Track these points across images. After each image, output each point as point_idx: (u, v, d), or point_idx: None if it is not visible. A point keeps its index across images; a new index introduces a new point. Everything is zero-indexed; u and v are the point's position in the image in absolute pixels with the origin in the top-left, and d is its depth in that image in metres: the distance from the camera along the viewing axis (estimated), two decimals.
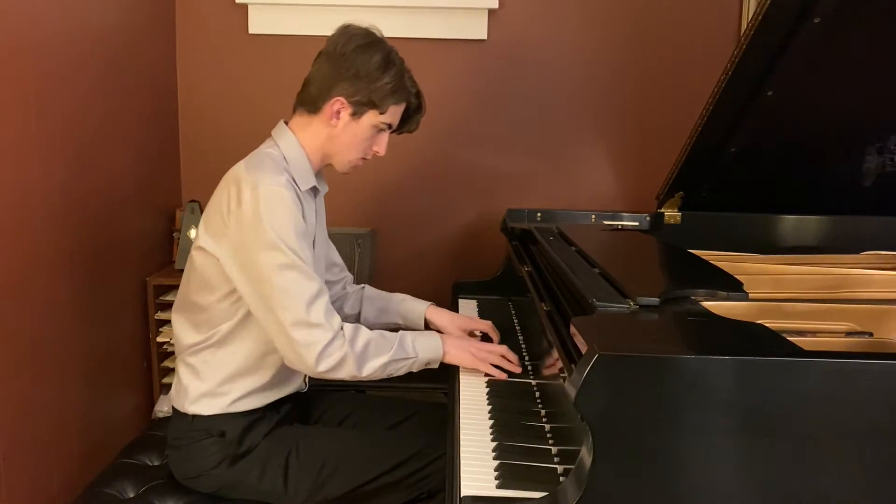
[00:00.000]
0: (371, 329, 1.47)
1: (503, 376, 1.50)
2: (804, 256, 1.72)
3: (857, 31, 1.48)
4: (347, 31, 1.48)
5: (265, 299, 1.38)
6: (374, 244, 2.49)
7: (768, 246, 1.87)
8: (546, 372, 1.39)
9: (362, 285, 1.81)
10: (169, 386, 2.18)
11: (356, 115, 1.48)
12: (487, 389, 1.46)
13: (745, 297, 1.20)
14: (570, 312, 1.22)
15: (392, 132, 1.56)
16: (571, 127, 2.50)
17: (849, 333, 1.22)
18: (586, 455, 0.89)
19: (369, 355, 1.41)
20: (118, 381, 2.15)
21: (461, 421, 1.31)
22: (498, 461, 1.14)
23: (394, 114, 1.51)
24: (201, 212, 2.30)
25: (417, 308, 1.73)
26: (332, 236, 1.76)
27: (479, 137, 2.51)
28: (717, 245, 1.75)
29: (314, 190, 1.55)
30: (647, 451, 0.88)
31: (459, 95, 2.45)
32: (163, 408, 2.24)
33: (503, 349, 1.54)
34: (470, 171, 2.52)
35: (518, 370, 1.52)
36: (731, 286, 1.23)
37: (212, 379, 1.49)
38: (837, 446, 0.88)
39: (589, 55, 2.45)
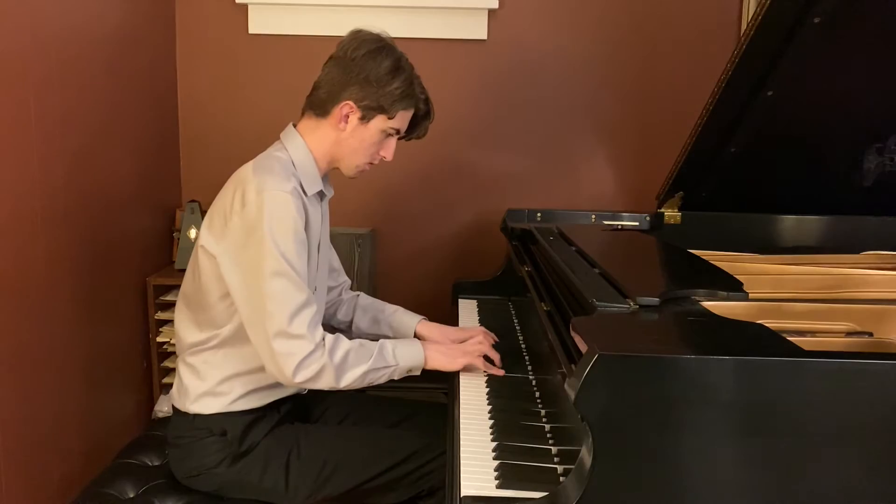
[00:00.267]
0: (362, 338, 1.48)
1: (489, 368, 1.52)
2: (804, 256, 1.72)
3: (857, 31, 1.48)
4: (358, 36, 1.49)
5: (252, 303, 1.38)
6: (374, 244, 2.49)
7: (768, 246, 1.87)
8: (546, 372, 1.39)
9: (357, 293, 1.81)
10: (169, 386, 2.19)
11: (365, 119, 1.48)
12: (487, 389, 1.46)
13: (745, 297, 1.20)
14: (570, 312, 1.22)
15: (400, 138, 1.56)
16: (571, 127, 2.50)
17: (849, 333, 1.22)
18: (586, 455, 0.89)
19: (348, 366, 1.41)
20: (118, 381, 2.15)
21: (461, 421, 1.31)
22: (498, 461, 1.14)
23: (402, 119, 1.51)
24: (201, 212, 2.30)
25: (408, 322, 1.72)
26: (332, 236, 1.76)
27: (480, 137, 2.51)
28: (717, 245, 1.74)
29: (321, 194, 1.55)
30: (647, 451, 0.88)
31: (459, 95, 2.45)
32: (163, 408, 2.24)
33: (480, 341, 1.57)
34: (470, 171, 2.52)
35: (501, 373, 1.54)
36: (731, 286, 1.23)
37: (212, 378, 1.49)
38: (837, 446, 0.88)
39: (589, 55, 2.45)
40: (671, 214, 2.01)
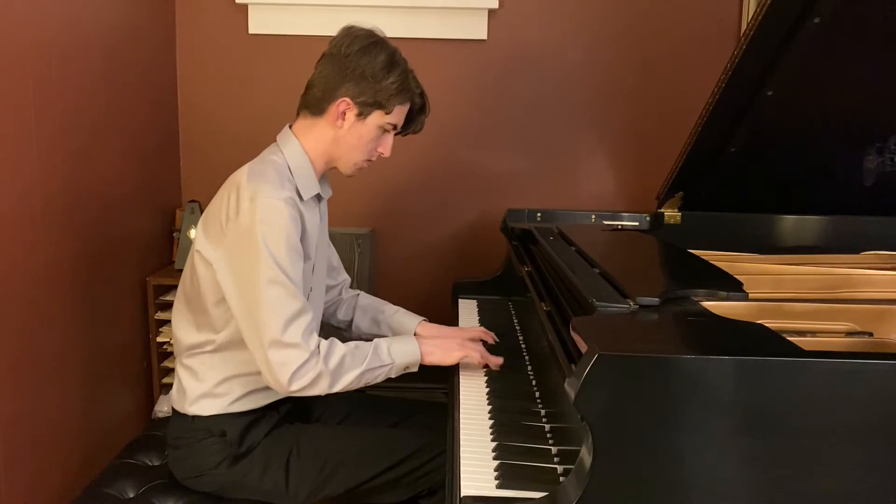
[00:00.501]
0: (361, 338, 1.47)
1: (487, 358, 1.53)
2: (804, 256, 1.72)
3: (857, 31, 1.48)
4: (351, 33, 1.48)
5: (247, 311, 1.38)
6: (374, 244, 2.49)
7: (768, 246, 1.87)
8: (546, 372, 1.39)
9: (357, 292, 1.81)
10: (169, 386, 2.19)
11: (362, 115, 1.47)
12: (487, 389, 1.46)
13: (745, 297, 1.20)
14: (570, 312, 1.22)
15: (397, 134, 1.56)
16: (571, 127, 2.50)
17: (849, 333, 1.22)
18: (586, 455, 0.89)
19: (343, 370, 1.40)
20: (118, 381, 2.15)
21: (461, 421, 1.31)
22: (498, 461, 1.14)
23: (399, 114, 1.51)
24: (201, 212, 2.30)
25: (408, 323, 1.71)
26: (332, 236, 1.76)
27: (480, 137, 2.51)
28: (717, 245, 1.75)
29: (318, 197, 1.54)
30: (646, 451, 0.88)
31: (459, 95, 2.45)
32: (163, 408, 2.24)
33: (479, 335, 1.58)
34: (470, 171, 2.52)
35: (498, 362, 1.54)
36: (731, 286, 1.23)
37: (211, 380, 1.49)
38: (837, 446, 0.88)
39: (589, 55, 2.45)
40: (671, 214, 2.01)
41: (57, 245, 1.78)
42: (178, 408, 1.53)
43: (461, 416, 1.34)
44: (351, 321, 1.77)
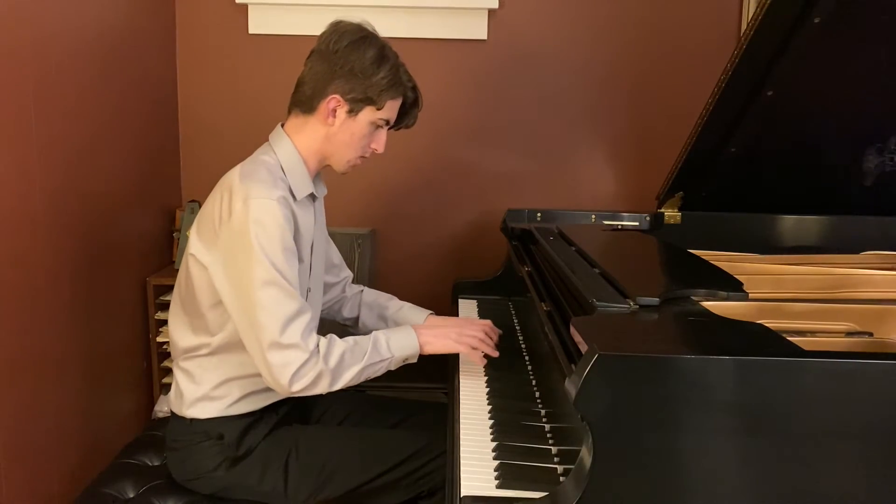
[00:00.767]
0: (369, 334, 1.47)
1: (483, 362, 1.52)
2: (804, 256, 1.72)
3: (857, 31, 1.48)
4: (339, 28, 1.46)
5: (244, 313, 1.37)
6: (374, 244, 2.49)
7: (768, 246, 1.87)
8: (546, 372, 1.39)
9: (361, 288, 1.80)
10: (169, 386, 2.18)
11: (353, 112, 1.46)
12: (487, 389, 1.46)
13: (745, 297, 1.20)
14: (570, 312, 1.22)
15: (390, 128, 1.54)
16: (571, 127, 2.50)
17: (849, 333, 1.22)
18: (586, 455, 0.89)
19: (344, 367, 1.40)
20: (118, 381, 2.15)
21: (461, 421, 1.31)
22: (498, 461, 1.14)
23: (391, 109, 1.49)
24: None
25: (416, 319, 1.70)
26: (331, 236, 1.76)
27: (480, 137, 2.51)
28: (717, 245, 1.74)
29: (312, 196, 1.53)
30: (647, 451, 0.88)
31: (459, 95, 2.45)
32: (163, 408, 2.24)
33: (484, 327, 1.55)
34: (470, 171, 2.52)
35: (495, 354, 1.52)
36: (731, 286, 1.23)
37: (208, 383, 1.49)
38: (837, 446, 0.88)
39: (589, 55, 2.45)
40: (671, 214, 2.01)
41: (57, 245, 1.78)
42: (175, 410, 1.52)
43: (461, 415, 1.34)
44: (357, 318, 1.76)
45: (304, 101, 1.48)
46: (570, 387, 0.88)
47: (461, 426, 1.29)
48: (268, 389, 1.50)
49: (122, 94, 2.11)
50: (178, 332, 1.52)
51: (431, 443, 1.49)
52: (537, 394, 1.43)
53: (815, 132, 1.72)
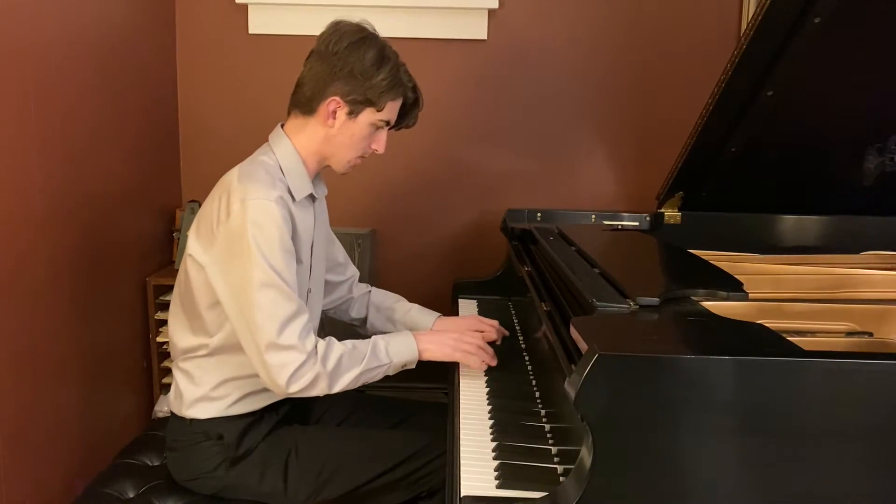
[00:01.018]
0: (376, 335, 1.47)
1: (483, 368, 1.52)
2: (804, 256, 1.72)
3: (857, 31, 1.48)
4: (339, 29, 1.45)
5: (242, 314, 1.37)
6: (374, 244, 2.49)
7: (768, 246, 1.87)
8: (546, 372, 1.39)
9: (368, 288, 1.80)
10: (169, 386, 2.18)
11: (353, 114, 1.45)
12: (487, 389, 1.46)
13: (745, 297, 1.20)
14: (570, 312, 1.22)
15: (390, 128, 1.53)
16: (572, 127, 2.50)
17: (849, 333, 1.22)
18: (586, 455, 0.89)
19: (341, 371, 1.40)
20: (118, 381, 2.15)
21: (461, 421, 1.31)
22: (498, 461, 1.14)
23: (391, 110, 1.49)
24: None
25: (424, 322, 1.69)
26: None
27: (480, 137, 2.51)
28: (717, 245, 1.74)
29: (311, 196, 1.53)
30: (647, 451, 0.88)
31: (459, 95, 2.45)
32: (163, 408, 2.24)
33: (488, 331, 1.57)
34: (470, 171, 2.52)
35: (493, 363, 1.53)
36: (731, 286, 1.23)
37: (207, 383, 1.49)
38: (837, 446, 0.88)
39: (589, 55, 2.45)
40: (671, 214, 2.01)
41: (57, 245, 1.78)
42: (175, 411, 1.52)
43: (461, 416, 1.34)
44: (365, 318, 1.76)
45: (303, 103, 1.47)
46: (570, 387, 0.88)
47: (461, 426, 1.29)
48: (267, 390, 1.50)
49: (121, 94, 2.11)
50: (178, 333, 1.52)
51: (431, 443, 1.49)
52: (537, 394, 1.43)
53: (815, 132, 1.72)
